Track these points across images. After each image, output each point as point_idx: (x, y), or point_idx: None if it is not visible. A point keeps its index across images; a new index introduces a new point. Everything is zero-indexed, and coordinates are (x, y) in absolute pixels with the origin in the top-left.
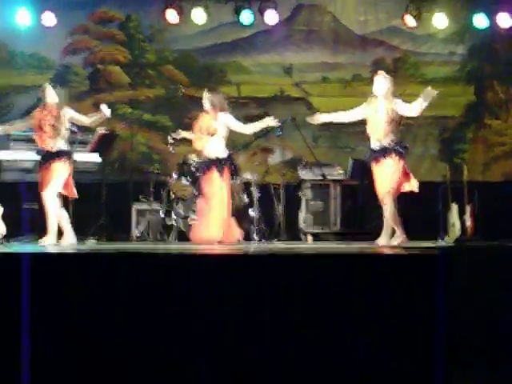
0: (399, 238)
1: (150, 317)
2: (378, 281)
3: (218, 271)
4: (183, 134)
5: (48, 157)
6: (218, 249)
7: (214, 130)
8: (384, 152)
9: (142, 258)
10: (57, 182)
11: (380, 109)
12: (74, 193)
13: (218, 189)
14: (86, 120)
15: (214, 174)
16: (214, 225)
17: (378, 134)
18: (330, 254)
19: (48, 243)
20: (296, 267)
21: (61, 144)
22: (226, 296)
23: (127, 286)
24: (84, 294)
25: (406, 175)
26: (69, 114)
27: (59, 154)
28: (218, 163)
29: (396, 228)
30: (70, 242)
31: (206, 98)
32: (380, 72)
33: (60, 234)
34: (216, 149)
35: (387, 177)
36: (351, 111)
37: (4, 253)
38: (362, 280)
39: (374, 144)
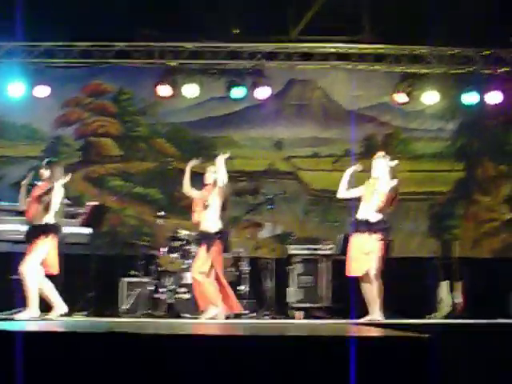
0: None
1: None
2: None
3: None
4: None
5: (35, 230)
6: (206, 326)
7: (207, 204)
8: (372, 228)
9: (130, 336)
10: (37, 256)
11: (378, 188)
12: (55, 269)
13: (205, 262)
14: None
15: (203, 247)
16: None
17: (370, 211)
18: (312, 336)
19: (27, 317)
20: (286, 350)
21: (49, 218)
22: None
23: (115, 367)
24: (73, 373)
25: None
26: (61, 191)
27: (46, 229)
28: (208, 237)
29: (378, 305)
30: (61, 312)
31: (212, 171)
32: (378, 154)
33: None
34: (208, 222)
35: (372, 253)
36: (356, 190)
37: None
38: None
39: (362, 217)
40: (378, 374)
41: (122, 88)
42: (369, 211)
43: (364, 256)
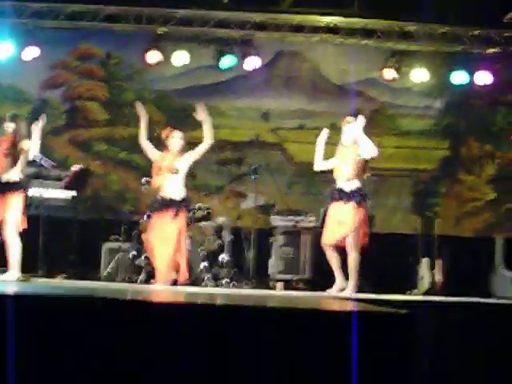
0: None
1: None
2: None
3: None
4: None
5: (2, 188)
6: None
7: (175, 170)
8: (346, 196)
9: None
10: (15, 215)
11: (348, 157)
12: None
13: (166, 230)
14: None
15: (167, 216)
16: (161, 265)
17: (343, 179)
18: (296, 308)
19: (11, 278)
20: (265, 321)
21: (16, 175)
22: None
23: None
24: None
25: (364, 224)
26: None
27: (15, 186)
28: (173, 205)
29: (354, 278)
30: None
31: (179, 137)
32: (347, 119)
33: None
34: (174, 189)
35: (346, 222)
36: (328, 162)
37: None
38: (328, 338)
39: (338, 186)
40: (353, 348)
41: (110, 52)
42: (343, 180)
43: (337, 225)
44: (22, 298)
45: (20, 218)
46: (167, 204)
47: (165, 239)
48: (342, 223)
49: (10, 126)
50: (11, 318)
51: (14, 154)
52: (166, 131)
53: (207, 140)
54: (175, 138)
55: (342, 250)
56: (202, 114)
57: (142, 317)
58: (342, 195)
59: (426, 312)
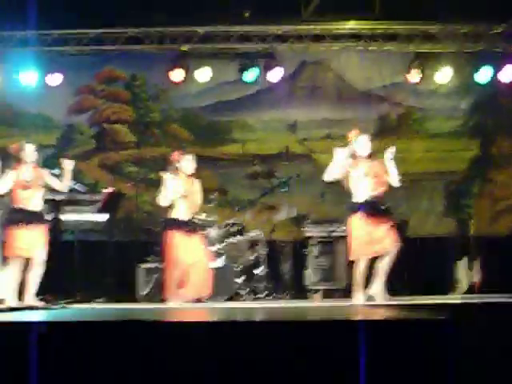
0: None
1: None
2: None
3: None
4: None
5: (26, 218)
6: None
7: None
8: (376, 211)
9: (145, 324)
10: (39, 244)
11: (371, 170)
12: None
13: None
14: (59, 184)
15: (186, 234)
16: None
17: (368, 192)
18: (336, 320)
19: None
20: (303, 333)
21: (38, 205)
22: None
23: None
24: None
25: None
26: (47, 175)
27: (37, 216)
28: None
29: (384, 282)
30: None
31: (190, 160)
32: (356, 132)
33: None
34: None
35: (384, 238)
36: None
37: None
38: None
39: (365, 199)
40: (391, 357)
41: (134, 74)
42: (367, 193)
43: (375, 241)
44: (60, 325)
45: (43, 247)
46: (183, 224)
47: (188, 256)
48: (379, 240)
49: (32, 156)
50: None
51: (36, 183)
52: (175, 155)
53: None
54: (187, 161)
55: None
56: None
57: (183, 337)
58: (370, 209)
59: (467, 314)
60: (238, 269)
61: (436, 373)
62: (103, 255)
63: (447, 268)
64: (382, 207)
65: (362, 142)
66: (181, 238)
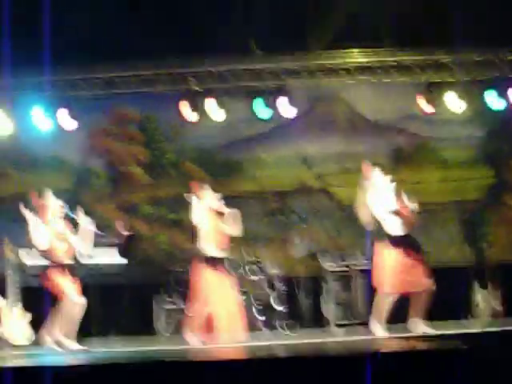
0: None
1: None
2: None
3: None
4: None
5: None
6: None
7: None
8: (405, 245)
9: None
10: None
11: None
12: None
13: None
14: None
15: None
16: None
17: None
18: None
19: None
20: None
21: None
22: None
23: None
24: None
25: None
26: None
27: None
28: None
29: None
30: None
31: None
32: (369, 165)
33: None
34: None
35: (415, 273)
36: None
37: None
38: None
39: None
40: None
41: (147, 115)
42: (395, 226)
43: (406, 275)
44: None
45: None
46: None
47: (219, 295)
48: (411, 274)
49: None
50: None
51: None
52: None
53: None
54: (207, 195)
55: None
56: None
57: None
58: (399, 244)
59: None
60: (257, 307)
61: None
62: (122, 296)
63: (467, 297)
64: (415, 242)
65: (379, 176)
66: (210, 275)
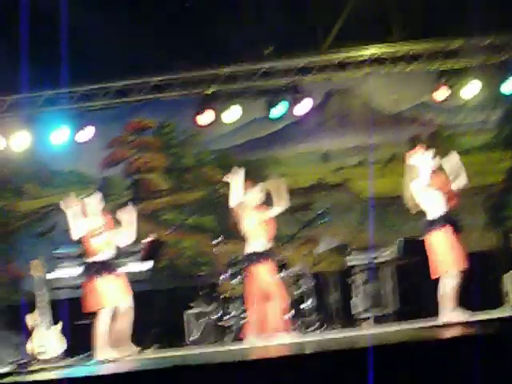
0: (464, 314)
1: None
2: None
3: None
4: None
5: (101, 268)
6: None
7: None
8: (438, 224)
9: (198, 369)
10: (112, 296)
11: (441, 184)
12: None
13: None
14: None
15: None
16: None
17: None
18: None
19: (105, 358)
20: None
21: (112, 254)
22: None
23: None
24: None
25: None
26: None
27: (112, 265)
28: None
29: (455, 303)
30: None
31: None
32: (419, 150)
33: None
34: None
35: (443, 249)
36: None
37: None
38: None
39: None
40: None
41: (163, 121)
42: (440, 208)
43: (459, 251)
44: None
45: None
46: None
47: (265, 291)
48: (459, 249)
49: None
50: None
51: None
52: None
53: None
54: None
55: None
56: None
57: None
58: (446, 222)
59: None
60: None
61: None
62: (149, 304)
63: (495, 282)
64: (457, 221)
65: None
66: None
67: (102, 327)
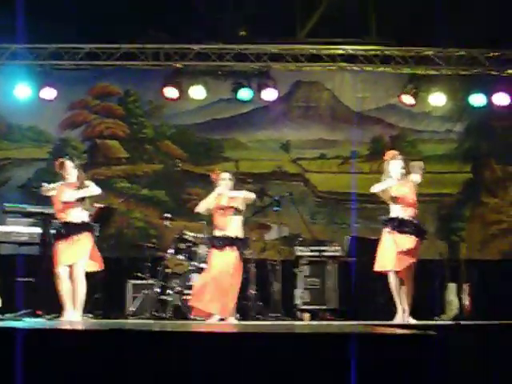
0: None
1: None
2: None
3: (211, 350)
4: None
5: (72, 229)
6: (210, 326)
7: (240, 210)
8: (409, 227)
9: (136, 334)
10: (83, 257)
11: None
12: (101, 264)
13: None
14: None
15: (234, 252)
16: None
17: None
18: (323, 333)
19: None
20: (286, 347)
21: (84, 215)
22: (219, 376)
23: (120, 364)
24: (75, 372)
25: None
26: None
27: (85, 226)
28: (238, 242)
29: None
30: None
31: (228, 178)
32: (392, 154)
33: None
34: (237, 227)
35: (412, 252)
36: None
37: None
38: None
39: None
40: (379, 372)
41: (128, 90)
42: (401, 210)
43: (404, 254)
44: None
45: (88, 259)
46: (230, 241)
47: (224, 274)
48: (408, 253)
49: (73, 173)
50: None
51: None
52: (215, 173)
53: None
54: (225, 180)
55: None
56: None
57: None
58: (403, 226)
59: (457, 335)
60: None
61: None
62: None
63: (437, 291)
64: (411, 225)
65: (396, 165)
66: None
67: (59, 286)
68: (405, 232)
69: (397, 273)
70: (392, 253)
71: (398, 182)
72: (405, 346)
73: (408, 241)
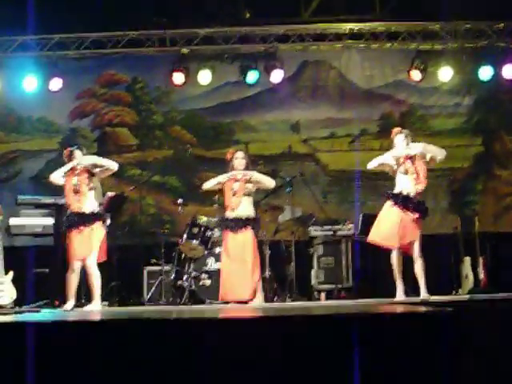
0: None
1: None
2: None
3: (229, 335)
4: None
5: (85, 218)
6: (229, 311)
7: (249, 191)
8: (413, 205)
9: (154, 323)
10: (95, 246)
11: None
12: (105, 256)
13: (248, 246)
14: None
15: (248, 231)
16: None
17: (408, 186)
18: (338, 314)
19: (70, 308)
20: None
21: (96, 206)
22: (239, 360)
23: (140, 353)
24: (93, 363)
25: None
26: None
27: (97, 216)
28: (251, 222)
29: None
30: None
31: (242, 157)
32: (398, 130)
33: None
34: (248, 207)
35: (415, 229)
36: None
37: (10, 322)
38: (373, 341)
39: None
40: (390, 351)
41: (135, 77)
42: (407, 187)
43: (408, 230)
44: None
45: (99, 249)
46: (243, 222)
47: (243, 257)
48: (412, 229)
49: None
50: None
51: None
52: (230, 153)
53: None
54: (238, 159)
55: None
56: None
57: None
58: (408, 203)
59: (474, 310)
60: None
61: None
62: (108, 259)
63: (453, 266)
64: (414, 201)
65: (399, 140)
66: (230, 236)
67: (70, 278)
68: (407, 208)
69: (406, 251)
70: (393, 228)
71: (402, 156)
72: (420, 323)
73: (410, 217)
